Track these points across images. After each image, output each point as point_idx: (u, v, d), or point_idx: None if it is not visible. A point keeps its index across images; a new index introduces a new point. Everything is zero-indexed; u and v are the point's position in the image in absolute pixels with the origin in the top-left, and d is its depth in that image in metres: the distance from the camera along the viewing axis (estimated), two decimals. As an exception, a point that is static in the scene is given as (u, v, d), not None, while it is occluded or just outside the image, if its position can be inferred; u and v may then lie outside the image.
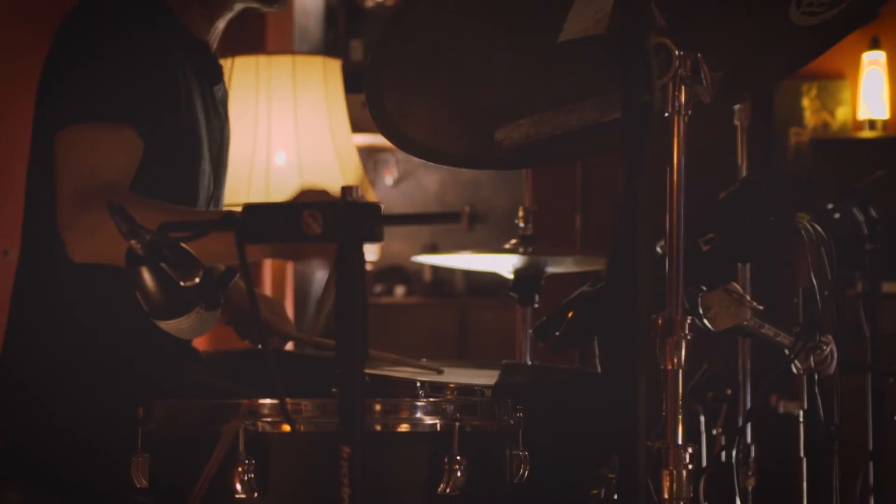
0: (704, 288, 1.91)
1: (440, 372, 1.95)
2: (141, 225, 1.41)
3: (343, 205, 1.19)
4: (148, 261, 1.43)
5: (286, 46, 4.73)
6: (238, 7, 2.20)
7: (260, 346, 2.07)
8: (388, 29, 1.54)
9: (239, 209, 1.30)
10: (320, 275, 6.26)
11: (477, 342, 6.67)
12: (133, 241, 1.42)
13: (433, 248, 6.80)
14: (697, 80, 1.47)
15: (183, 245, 1.45)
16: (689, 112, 1.51)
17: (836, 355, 1.94)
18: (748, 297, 1.93)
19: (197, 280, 1.44)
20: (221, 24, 2.22)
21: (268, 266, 4.14)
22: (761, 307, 1.95)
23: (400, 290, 7.05)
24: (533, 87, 1.68)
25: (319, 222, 1.20)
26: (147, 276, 1.45)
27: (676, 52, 1.45)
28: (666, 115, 1.49)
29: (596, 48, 1.52)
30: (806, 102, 4.80)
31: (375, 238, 1.22)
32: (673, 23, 1.49)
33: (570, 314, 2.04)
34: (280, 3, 2.20)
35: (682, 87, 1.48)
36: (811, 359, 1.93)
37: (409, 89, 1.59)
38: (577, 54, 1.59)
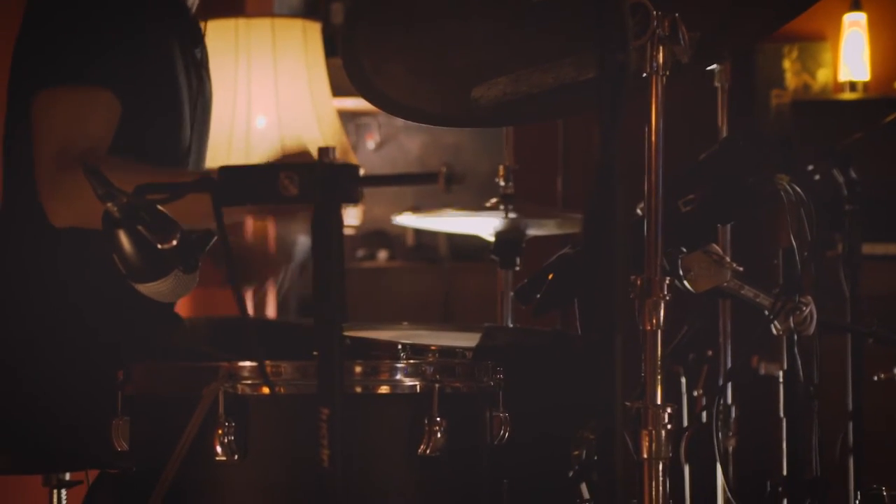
0: (684, 249, 1.91)
1: None
2: (117, 187, 1.40)
3: (320, 166, 1.19)
4: (125, 223, 1.42)
5: (265, 9, 4.70)
6: None
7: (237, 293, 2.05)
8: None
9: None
10: (303, 240, 6.25)
11: (460, 306, 6.68)
12: (109, 204, 1.41)
13: (416, 212, 6.79)
14: (675, 40, 1.47)
15: (160, 207, 1.44)
16: (667, 72, 1.50)
17: (815, 316, 1.95)
18: (728, 259, 1.94)
19: (174, 243, 1.43)
20: None
21: (249, 233, 4.13)
22: (741, 268, 1.95)
23: (382, 255, 7.04)
24: (510, 46, 1.67)
25: (296, 184, 1.19)
26: (124, 239, 1.44)
27: (654, 12, 1.44)
28: (644, 75, 1.48)
29: (573, 6, 1.52)
30: (787, 64, 4.79)
31: (353, 199, 1.21)
32: (651, -18, 1.48)
33: (550, 276, 2.04)
34: None
35: (660, 48, 1.47)
36: (791, 320, 1.94)
37: (386, 49, 1.58)
38: (554, 12, 1.58)
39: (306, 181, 1.19)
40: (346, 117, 6.87)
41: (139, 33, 2.02)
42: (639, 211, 1.78)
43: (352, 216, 6.81)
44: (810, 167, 2.73)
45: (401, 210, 6.44)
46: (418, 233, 6.93)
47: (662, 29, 1.47)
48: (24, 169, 1.96)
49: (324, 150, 1.20)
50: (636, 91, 1.46)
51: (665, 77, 1.51)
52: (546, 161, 4.74)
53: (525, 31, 1.67)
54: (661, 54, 1.48)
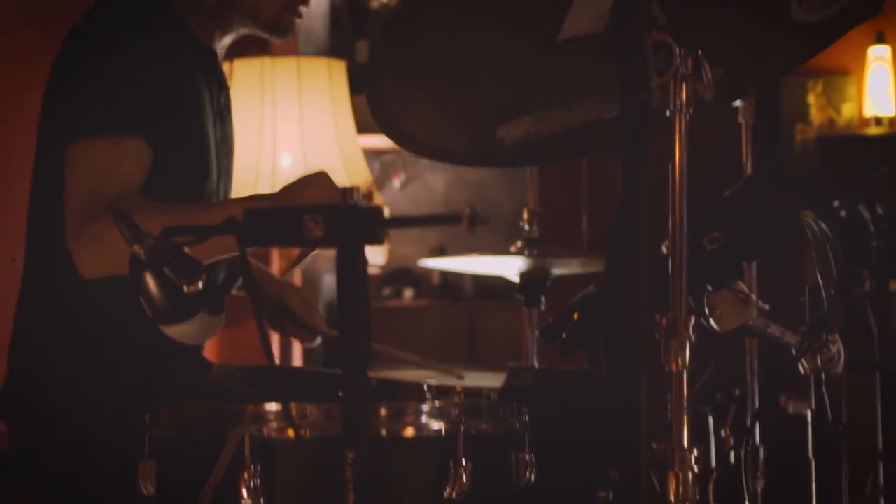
0: (710, 288, 1.90)
1: (460, 377, 1.94)
2: (143, 230, 1.41)
3: (344, 208, 1.19)
4: (151, 266, 1.43)
5: (291, 48, 4.73)
6: (244, 31, 2.21)
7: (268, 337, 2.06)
8: (389, 28, 1.53)
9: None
10: (328, 278, 6.26)
11: (486, 344, 6.67)
12: (136, 247, 1.42)
13: (441, 251, 6.80)
14: (699, 77, 1.46)
15: (186, 250, 1.44)
16: (691, 110, 1.49)
17: (843, 354, 1.93)
18: (754, 297, 1.93)
19: (200, 285, 1.44)
20: (228, 40, 2.23)
21: (275, 266, 4.14)
22: (767, 306, 1.94)
23: (408, 293, 7.04)
24: (534, 85, 1.67)
25: (320, 226, 1.20)
26: (150, 282, 1.44)
27: (677, 50, 1.44)
28: (667, 113, 1.47)
29: (597, 45, 1.52)
30: (812, 99, 4.78)
31: (376, 241, 1.22)
32: (674, 20, 1.47)
33: (575, 316, 2.03)
34: (286, 35, 2.21)
35: (684, 85, 1.46)
36: (818, 358, 1.92)
37: (410, 88, 1.58)
38: (578, 51, 1.58)
39: (330, 223, 1.19)
40: (371, 155, 6.90)
41: (171, 82, 2.03)
42: (664, 249, 1.78)
43: (377, 255, 6.83)
44: (836, 203, 2.71)
45: (426, 249, 6.44)
46: (444, 271, 6.94)
47: (685, 67, 1.46)
48: (51, 215, 1.97)
49: (348, 191, 1.20)
50: (660, 129, 1.45)
51: (688, 115, 1.51)
52: (571, 200, 4.73)
53: (549, 70, 1.68)
54: (684, 92, 1.48)
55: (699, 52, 1.46)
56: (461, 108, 1.67)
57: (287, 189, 1.90)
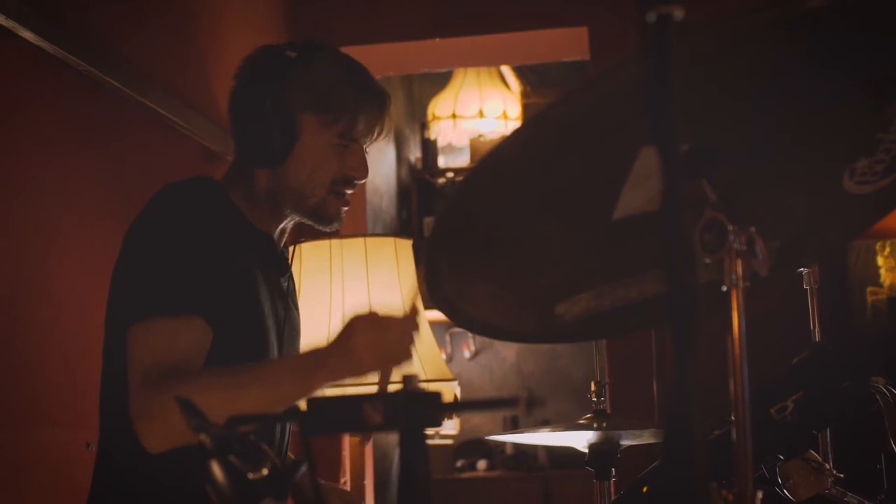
0: (782, 457, 1.88)
1: None
2: (209, 420, 1.43)
3: (402, 395, 1.22)
4: (217, 454, 1.45)
5: (360, 228, 4.82)
6: (296, 219, 2.28)
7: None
8: (444, 216, 1.57)
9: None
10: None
11: (561, 515, 6.56)
12: (202, 436, 1.44)
13: (513, 422, 6.76)
14: (752, 253, 1.46)
15: (251, 438, 1.47)
16: (748, 284, 1.49)
17: (923, 523, 1.89)
18: (828, 465, 1.90)
19: (265, 472, 1.45)
20: (284, 225, 2.30)
21: (347, 446, 4.15)
22: (842, 475, 1.91)
23: (482, 465, 6.98)
24: (591, 262, 1.69)
25: (380, 412, 1.22)
26: (217, 469, 1.46)
27: (730, 227, 1.45)
28: (723, 288, 1.47)
29: (650, 222, 1.54)
30: (880, 261, 4.75)
31: (437, 425, 1.24)
32: (726, 197, 1.49)
33: (644, 489, 2.02)
34: (332, 223, 2.27)
35: (738, 261, 1.47)
36: (897, 527, 1.88)
37: (468, 274, 1.61)
38: (634, 228, 1.60)
39: (389, 410, 1.21)
40: (442, 328, 6.93)
41: (224, 264, 2.09)
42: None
43: (450, 426, 6.80)
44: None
45: (499, 419, 6.34)
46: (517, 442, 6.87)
47: (739, 243, 1.46)
48: (117, 397, 2.02)
49: (407, 378, 1.23)
50: (716, 306, 1.46)
51: (746, 288, 1.51)
52: (640, 369, 4.70)
53: (606, 247, 1.70)
54: (739, 267, 1.48)
55: (752, 229, 1.46)
56: (519, 288, 1.69)
57: (338, 339, 1.91)
